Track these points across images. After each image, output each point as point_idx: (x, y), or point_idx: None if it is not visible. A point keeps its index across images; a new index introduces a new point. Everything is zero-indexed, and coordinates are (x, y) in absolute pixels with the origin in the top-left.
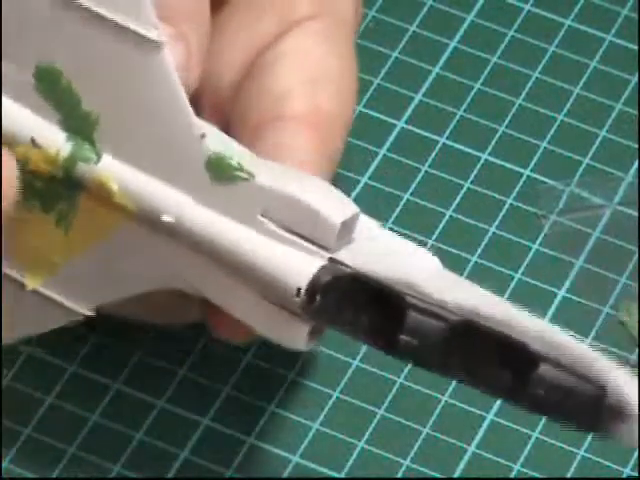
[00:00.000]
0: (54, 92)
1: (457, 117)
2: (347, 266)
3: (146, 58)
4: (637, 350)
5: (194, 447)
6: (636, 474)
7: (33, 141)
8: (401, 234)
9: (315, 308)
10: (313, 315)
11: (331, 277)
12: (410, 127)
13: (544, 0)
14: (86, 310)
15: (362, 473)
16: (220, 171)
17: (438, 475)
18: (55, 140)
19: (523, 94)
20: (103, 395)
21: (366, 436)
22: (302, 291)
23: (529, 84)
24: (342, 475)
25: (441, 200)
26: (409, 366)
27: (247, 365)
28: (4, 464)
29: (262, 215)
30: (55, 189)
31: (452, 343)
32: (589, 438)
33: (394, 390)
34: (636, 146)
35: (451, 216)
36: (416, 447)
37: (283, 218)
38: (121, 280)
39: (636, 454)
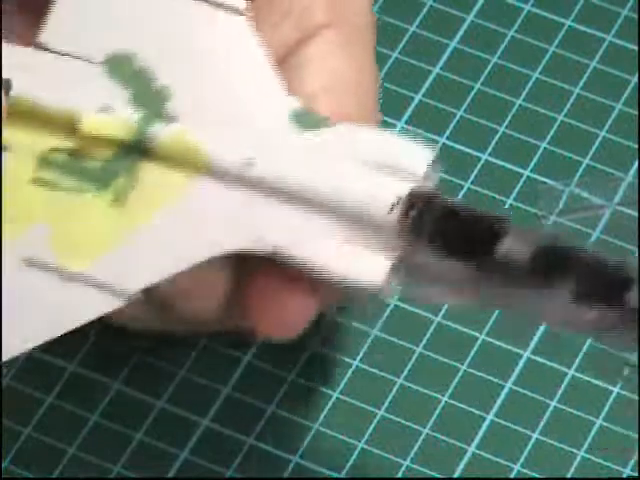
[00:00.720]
0: (125, 75)
1: (457, 117)
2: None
3: (229, 27)
4: (637, 350)
5: (194, 447)
6: (636, 474)
7: (103, 109)
8: None
9: (410, 223)
10: (406, 231)
11: (425, 196)
12: (410, 127)
13: (544, 0)
14: (133, 292)
15: (362, 473)
16: (304, 120)
17: (438, 475)
18: (125, 108)
19: (523, 94)
20: (103, 395)
21: (366, 436)
22: (397, 204)
23: (529, 84)
24: (342, 475)
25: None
26: (409, 366)
27: (247, 365)
28: (4, 464)
29: (350, 157)
30: (114, 164)
31: (548, 266)
32: (589, 438)
33: (394, 390)
34: (636, 146)
35: None
36: (416, 447)
37: (372, 158)
38: (185, 249)
39: (636, 455)
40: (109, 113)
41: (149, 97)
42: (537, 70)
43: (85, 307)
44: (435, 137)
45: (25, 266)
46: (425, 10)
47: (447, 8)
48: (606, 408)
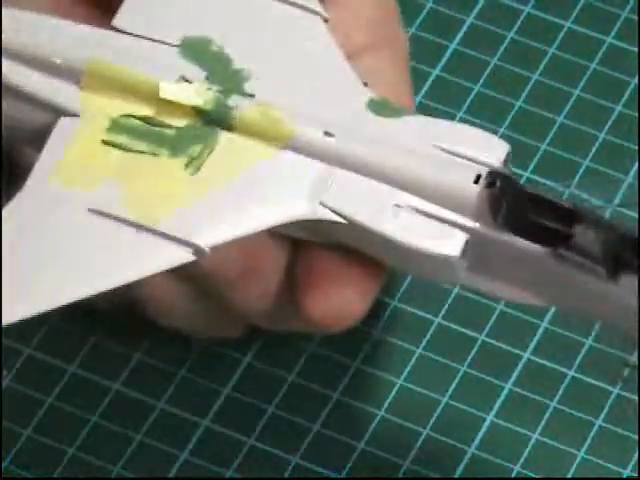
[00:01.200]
0: (202, 58)
1: (457, 119)
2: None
3: (310, 25)
4: (637, 350)
5: (194, 448)
6: (636, 474)
7: (183, 78)
8: None
9: (494, 194)
10: (486, 205)
11: (507, 175)
12: None
13: (544, 2)
14: (204, 247)
15: (362, 473)
16: (383, 108)
17: (438, 475)
18: (203, 82)
19: (523, 96)
20: (103, 396)
21: (366, 437)
22: (482, 177)
23: (529, 86)
24: (342, 475)
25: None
26: (409, 368)
27: (247, 366)
28: (4, 464)
29: (429, 142)
30: (190, 132)
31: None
32: (589, 438)
33: (394, 391)
34: (636, 148)
35: None
36: (416, 448)
37: (450, 145)
38: (257, 213)
39: (636, 455)
40: (187, 83)
41: (226, 76)
42: (537, 72)
43: (155, 257)
44: None
45: (94, 215)
46: (425, 12)
47: (447, 10)
48: (606, 408)
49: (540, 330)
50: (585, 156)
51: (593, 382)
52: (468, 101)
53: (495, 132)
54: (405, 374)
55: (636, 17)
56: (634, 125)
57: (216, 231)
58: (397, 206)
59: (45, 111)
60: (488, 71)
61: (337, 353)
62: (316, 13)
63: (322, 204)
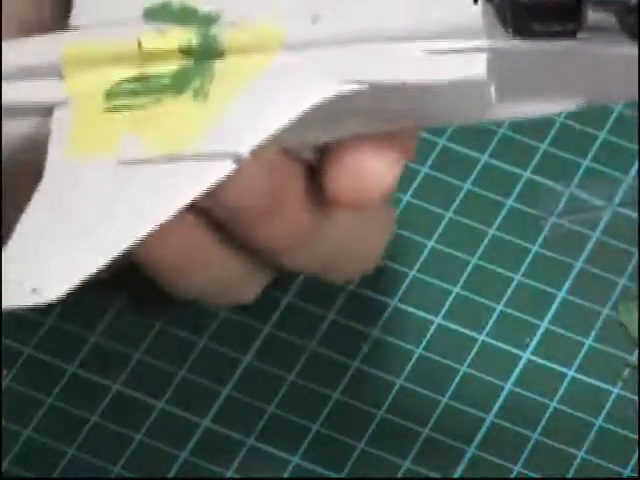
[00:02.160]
0: (168, 16)
1: None
2: None
3: None
4: (637, 350)
5: (194, 448)
6: (636, 475)
7: (160, 30)
8: (400, 236)
9: (495, 6)
10: (495, 15)
11: None
12: None
13: None
14: (244, 153)
15: (362, 473)
16: None
17: (438, 475)
18: (179, 28)
19: None
20: (103, 396)
21: (366, 437)
22: None
23: None
24: (342, 475)
25: (441, 201)
26: (409, 368)
27: (247, 366)
28: (4, 464)
29: None
30: (185, 71)
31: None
32: (589, 438)
33: (394, 391)
34: (636, 148)
35: (451, 218)
36: (416, 448)
37: None
38: (284, 106)
39: (636, 455)
40: (166, 32)
41: (198, 20)
42: None
43: (198, 178)
44: (435, 139)
45: (124, 166)
46: None
47: None
48: (606, 408)
49: (540, 330)
50: (585, 156)
51: (593, 382)
52: None
53: (495, 132)
54: (405, 374)
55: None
56: (634, 125)
57: (247, 138)
58: (409, 54)
59: (37, 115)
60: None
61: (337, 353)
62: None
63: (338, 80)
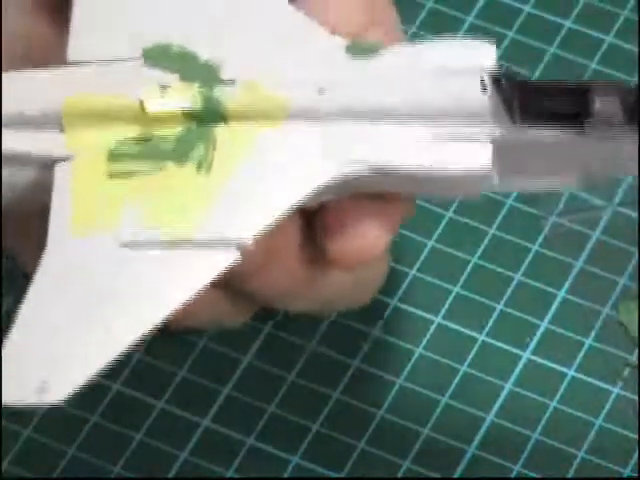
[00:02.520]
0: (168, 62)
1: None
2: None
3: None
4: (637, 350)
5: (194, 448)
6: (636, 475)
7: (164, 86)
8: (400, 236)
9: (504, 94)
10: (502, 103)
11: (508, 73)
12: None
13: (544, 1)
14: (247, 241)
15: (362, 473)
16: (360, 49)
17: (438, 475)
18: (182, 84)
19: None
20: (103, 396)
21: (366, 437)
22: (487, 81)
23: None
24: (342, 475)
25: (441, 202)
26: (409, 368)
27: (247, 365)
28: (4, 465)
29: (419, 68)
30: (188, 136)
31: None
32: (589, 438)
33: (394, 391)
34: None
35: (451, 218)
36: (416, 448)
37: (439, 63)
38: (284, 190)
39: (636, 455)
40: (168, 90)
41: (199, 71)
42: (537, 71)
43: (202, 268)
44: None
45: (128, 249)
46: (425, 11)
47: (447, 9)
48: (606, 408)
49: (540, 330)
50: None
51: (593, 382)
52: None
53: None
54: (405, 374)
55: (636, 16)
56: None
57: (251, 221)
58: (415, 139)
59: (37, 168)
60: None
61: (337, 353)
62: None
63: (343, 161)
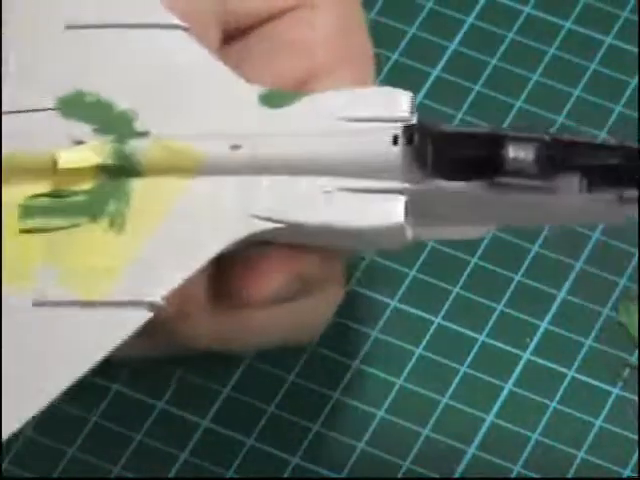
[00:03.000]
0: (82, 112)
1: (458, 119)
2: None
3: (171, 41)
4: (637, 351)
5: (194, 448)
6: (636, 475)
7: (76, 142)
8: None
9: (415, 148)
10: (412, 161)
11: (421, 125)
12: None
13: (544, 2)
14: (159, 301)
15: (362, 473)
16: (275, 99)
17: (438, 476)
18: (94, 137)
19: (523, 96)
20: (103, 396)
21: (366, 437)
22: (399, 135)
23: (529, 86)
24: (342, 475)
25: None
26: (409, 368)
27: (247, 366)
28: (4, 464)
29: (332, 117)
30: (101, 191)
31: (553, 159)
32: (589, 438)
33: (394, 392)
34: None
35: None
36: (416, 448)
37: (353, 113)
38: (196, 248)
39: (636, 455)
40: (80, 145)
41: (113, 123)
42: (537, 72)
43: (114, 328)
44: None
45: (39, 307)
46: (425, 12)
47: (447, 10)
48: (606, 408)
49: (540, 330)
50: None
51: (593, 382)
52: (468, 101)
53: None
54: (405, 374)
55: (636, 17)
56: (634, 125)
57: (163, 281)
58: (327, 192)
59: None
60: (488, 71)
61: (337, 353)
62: (175, 27)
63: (255, 216)
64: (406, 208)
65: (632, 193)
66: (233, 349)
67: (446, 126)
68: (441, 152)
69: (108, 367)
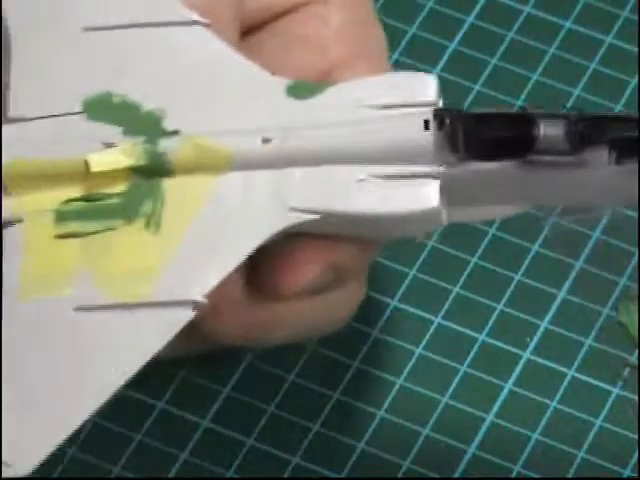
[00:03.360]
0: (110, 114)
1: None
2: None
3: (196, 37)
4: (637, 350)
5: (194, 448)
6: (636, 475)
7: (107, 144)
8: None
9: (447, 131)
10: (445, 145)
11: (450, 109)
12: None
13: (544, 2)
14: (200, 300)
15: (362, 473)
16: (302, 90)
17: (438, 475)
18: (125, 139)
19: (523, 96)
20: None
21: (366, 437)
22: (430, 119)
23: (529, 86)
24: (342, 475)
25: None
26: (409, 368)
27: (247, 366)
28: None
29: (360, 105)
30: (135, 193)
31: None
32: (589, 438)
33: (394, 391)
34: None
35: None
36: (416, 448)
37: (380, 100)
38: (234, 245)
39: (636, 455)
40: (112, 148)
41: (141, 123)
42: (537, 71)
43: (158, 329)
44: None
45: (81, 313)
46: (425, 12)
47: (447, 9)
48: (606, 408)
49: (540, 330)
50: None
51: (593, 382)
52: (468, 101)
53: None
54: (405, 374)
55: (636, 17)
56: None
57: (204, 279)
58: (360, 181)
59: None
60: (488, 71)
61: (337, 353)
62: (195, 23)
63: (290, 209)
64: (440, 192)
65: None
66: (261, 343)
67: (475, 109)
68: (472, 134)
69: None
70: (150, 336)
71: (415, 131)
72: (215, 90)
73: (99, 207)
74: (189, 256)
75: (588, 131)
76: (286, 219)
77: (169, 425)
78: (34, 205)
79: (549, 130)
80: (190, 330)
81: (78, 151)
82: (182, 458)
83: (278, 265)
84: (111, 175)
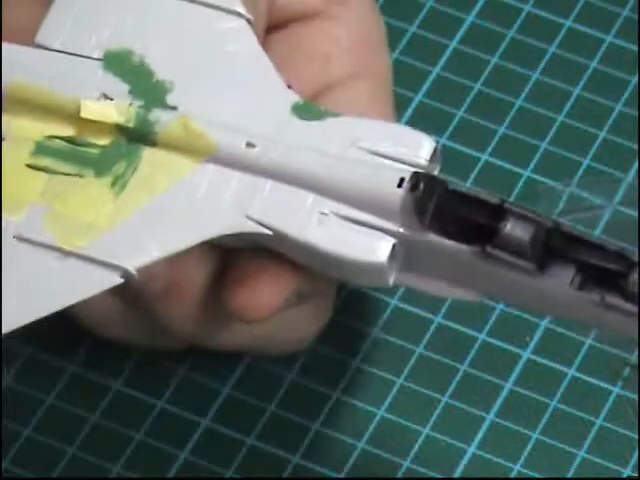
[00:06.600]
0: (124, 71)
1: (457, 118)
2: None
3: (230, 28)
4: (637, 350)
5: (194, 448)
6: (636, 474)
7: (105, 95)
8: None
9: (416, 199)
10: (411, 209)
11: (430, 177)
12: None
13: (544, 1)
14: (131, 270)
15: (362, 473)
16: (307, 111)
17: (438, 475)
18: (124, 98)
19: (523, 95)
20: (103, 395)
21: (366, 437)
22: (405, 180)
23: (529, 85)
24: (342, 475)
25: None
26: (409, 367)
27: (247, 366)
28: (4, 464)
29: (352, 144)
30: (114, 150)
31: (549, 243)
32: (589, 438)
33: (394, 391)
34: (636, 147)
35: None
36: (416, 447)
37: (373, 146)
38: (183, 231)
39: (636, 455)
40: (108, 101)
41: (148, 89)
42: (537, 70)
43: (83, 283)
44: (435, 137)
45: (19, 242)
46: (425, 10)
47: (447, 8)
48: (606, 408)
49: (540, 330)
50: (585, 155)
51: (593, 382)
52: (468, 100)
53: (495, 131)
54: (405, 373)
55: (636, 16)
56: (634, 124)
57: (143, 252)
58: (322, 214)
59: None
60: (488, 70)
61: (337, 353)
62: (238, 15)
63: (248, 217)
64: (392, 250)
65: (615, 300)
66: (211, 344)
67: (456, 185)
68: (443, 208)
69: (109, 366)
70: (71, 287)
71: (389, 186)
72: (228, 83)
73: (77, 152)
74: (137, 227)
75: (559, 245)
76: (240, 225)
77: (169, 425)
78: (21, 130)
79: (516, 229)
80: (140, 304)
81: (79, 94)
82: (182, 458)
83: (241, 288)
84: (99, 127)
